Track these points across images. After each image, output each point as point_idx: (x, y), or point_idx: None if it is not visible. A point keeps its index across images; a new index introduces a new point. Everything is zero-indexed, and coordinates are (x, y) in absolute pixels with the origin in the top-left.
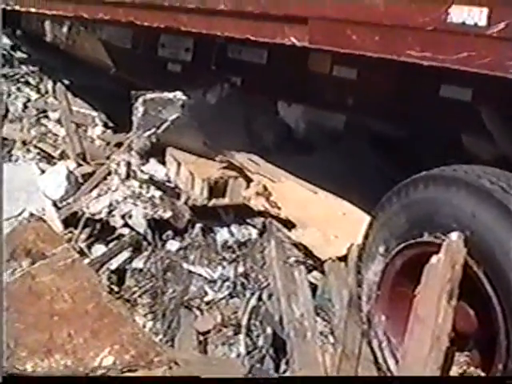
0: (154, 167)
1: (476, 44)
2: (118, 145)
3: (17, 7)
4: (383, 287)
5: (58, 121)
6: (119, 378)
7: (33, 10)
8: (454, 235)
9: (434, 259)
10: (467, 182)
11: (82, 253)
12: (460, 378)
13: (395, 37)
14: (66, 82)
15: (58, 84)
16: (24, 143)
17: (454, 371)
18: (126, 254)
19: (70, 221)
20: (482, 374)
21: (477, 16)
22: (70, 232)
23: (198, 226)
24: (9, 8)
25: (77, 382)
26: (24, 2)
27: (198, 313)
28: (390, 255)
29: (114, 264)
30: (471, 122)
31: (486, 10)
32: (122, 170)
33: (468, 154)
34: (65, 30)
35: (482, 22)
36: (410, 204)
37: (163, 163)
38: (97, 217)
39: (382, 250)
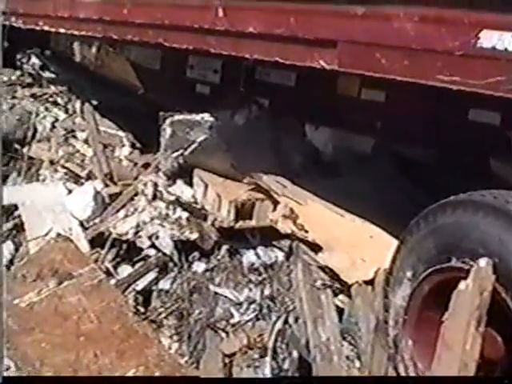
0: (180, 188)
1: (506, 69)
2: (146, 165)
3: (20, 24)
4: (410, 312)
5: (86, 141)
6: (119, 378)
7: (62, 30)
8: (482, 261)
9: (462, 285)
10: (495, 207)
11: (108, 273)
12: (460, 377)
13: (425, 61)
14: (94, 102)
15: (86, 104)
16: (51, 163)
17: None
18: (152, 275)
19: (97, 241)
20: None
21: (507, 41)
22: (97, 252)
23: (225, 247)
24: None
25: (77, 382)
26: (53, 23)
27: (223, 335)
28: (417, 280)
29: (141, 285)
30: (500, 146)
31: None
32: (149, 190)
33: (496, 179)
34: (94, 50)
35: None
36: (438, 229)
37: (190, 184)
38: (123, 237)
39: (409, 274)
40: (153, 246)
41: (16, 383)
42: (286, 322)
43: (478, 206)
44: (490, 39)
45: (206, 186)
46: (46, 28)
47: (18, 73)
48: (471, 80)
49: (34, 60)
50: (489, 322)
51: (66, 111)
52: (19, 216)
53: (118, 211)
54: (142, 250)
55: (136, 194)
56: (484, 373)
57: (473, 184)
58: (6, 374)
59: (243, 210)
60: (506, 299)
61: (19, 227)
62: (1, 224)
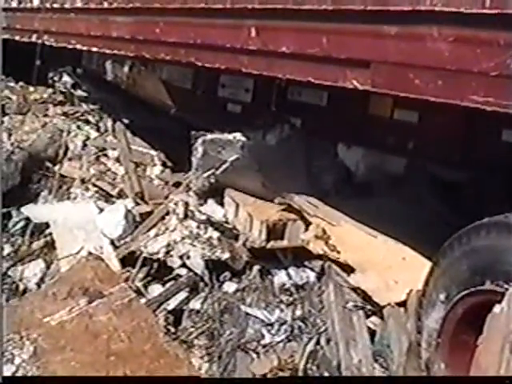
0: (212, 208)
1: None
2: (177, 184)
3: (53, 42)
4: (444, 335)
5: (117, 159)
6: (119, 378)
7: (94, 48)
8: None
9: (496, 309)
10: None
11: (139, 292)
12: (461, 377)
13: (459, 82)
14: (126, 120)
15: (118, 123)
16: (83, 181)
17: None
18: (183, 295)
19: (128, 260)
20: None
21: None
22: (128, 271)
23: (256, 267)
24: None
25: (77, 382)
26: (85, 41)
27: (254, 356)
28: (451, 302)
29: (171, 304)
30: None
31: None
32: (180, 209)
33: None
34: (126, 69)
35: None
36: (472, 251)
37: (221, 204)
38: (154, 256)
39: (442, 297)
40: (184, 265)
41: (16, 383)
42: (317, 343)
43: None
44: None
45: (238, 206)
46: (79, 46)
47: (50, 91)
48: (505, 101)
49: (66, 78)
50: None
51: (98, 129)
52: (50, 234)
53: (149, 230)
54: (172, 269)
55: (167, 213)
56: None
57: (507, 206)
58: None
59: (275, 230)
60: None
61: (50, 245)
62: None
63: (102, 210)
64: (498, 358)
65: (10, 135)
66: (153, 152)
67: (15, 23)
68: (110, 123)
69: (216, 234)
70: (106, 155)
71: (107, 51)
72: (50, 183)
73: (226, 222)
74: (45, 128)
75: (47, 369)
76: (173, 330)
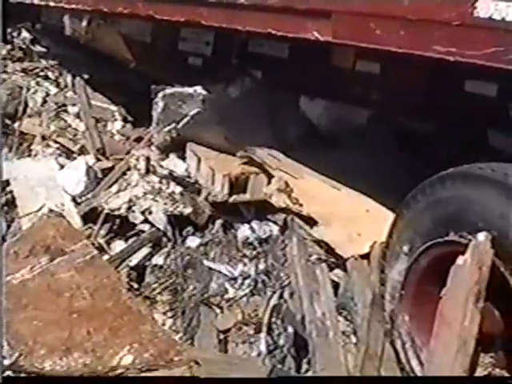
0: (173, 162)
1: (503, 39)
2: (138, 140)
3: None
4: (407, 287)
5: (78, 115)
6: (119, 378)
7: (52, 3)
8: (481, 235)
9: (460, 260)
10: (494, 180)
11: (101, 249)
12: (464, 377)
13: (421, 32)
14: (86, 76)
15: (78, 78)
16: (43, 138)
17: (479, 373)
18: (145, 251)
19: (90, 217)
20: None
21: (504, 11)
22: (90, 228)
23: (219, 222)
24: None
25: (77, 382)
26: None
27: (218, 311)
28: (414, 254)
29: (134, 260)
30: (497, 117)
31: None
32: (142, 165)
33: (495, 151)
34: (84, 23)
35: (510, 17)
36: (436, 202)
37: (183, 158)
38: (116, 212)
39: (406, 248)
40: (146, 221)
41: (16, 383)
42: (281, 297)
43: (477, 179)
44: (486, 9)
45: (200, 160)
46: (36, 1)
47: (9, 47)
48: (468, 51)
49: (25, 34)
50: (487, 296)
51: (58, 85)
52: (11, 192)
53: (110, 186)
54: (135, 225)
55: (129, 169)
56: (483, 348)
57: (471, 156)
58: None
59: (237, 184)
60: (505, 274)
61: (11, 203)
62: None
63: (62, 167)
64: (462, 310)
65: None
66: (113, 107)
67: None
68: (69, 79)
69: (178, 189)
70: (66, 111)
71: (65, 6)
72: (9, 140)
73: (188, 177)
74: (3, 85)
75: (10, 328)
76: (136, 286)
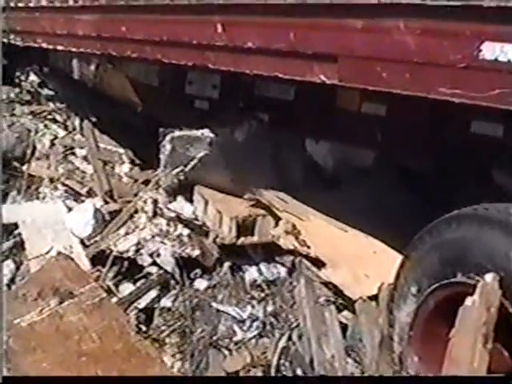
0: (181, 205)
1: (509, 81)
2: (146, 182)
3: (19, 42)
4: (416, 328)
5: (85, 158)
6: (119, 379)
7: (60, 47)
8: (488, 276)
9: (468, 301)
10: (500, 221)
11: (109, 291)
12: (464, 377)
13: (426, 74)
14: (94, 119)
15: (85, 121)
16: (51, 180)
17: None
18: (154, 293)
19: (98, 259)
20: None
21: (510, 53)
22: (98, 270)
23: (227, 264)
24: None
25: (77, 382)
26: (50, 40)
27: (226, 353)
28: (422, 295)
29: (142, 303)
30: (503, 157)
31: None
32: (150, 207)
33: (500, 191)
34: (92, 67)
35: None
36: (443, 243)
37: (191, 201)
38: (124, 255)
39: (414, 290)
40: (154, 263)
41: (16, 383)
42: (289, 339)
43: (483, 220)
44: (492, 51)
45: (207, 203)
46: (45, 45)
47: (17, 90)
48: (473, 93)
49: (33, 77)
50: (496, 337)
51: (65, 128)
52: (19, 234)
53: (118, 229)
54: (143, 267)
55: (136, 211)
56: None
57: (476, 196)
58: None
59: (244, 226)
60: None
61: (19, 246)
62: (1, 242)
63: (70, 209)
64: (471, 351)
65: None
66: (121, 150)
67: None
68: (77, 122)
69: (186, 231)
70: (74, 154)
71: (73, 49)
72: (18, 183)
73: (196, 219)
74: (12, 128)
75: (18, 371)
76: (144, 328)
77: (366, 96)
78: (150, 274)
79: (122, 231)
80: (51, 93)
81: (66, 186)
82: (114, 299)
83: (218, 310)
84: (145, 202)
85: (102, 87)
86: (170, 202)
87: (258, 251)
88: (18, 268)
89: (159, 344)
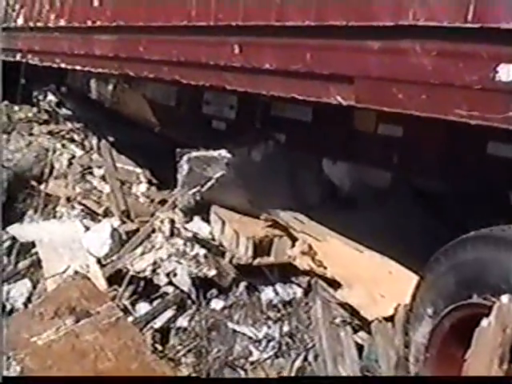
0: (198, 225)
1: None
2: (163, 202)
3: (37, 61)
4: (432, 349)
5: (103, 177)
6: (119, 379)
7: (78, 67)
8: (504, 298)
9: (484, 322)
10: None
11: (125, 311)
12: (465, 377)
13: (442, 96)
14: (111, 138)
15: (103, 141)
16: (68, 200)
17: None
18: (170, 313)
19: (114, 278)
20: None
21: None
22: (114, 290)
23: (243, 284)
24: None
25: (77, 382)
26: (68, 60)
27: (242, 373)
28: (438, 317)
29: (158, 323)
30: None
31: None
32: (166, 227)
33: None
34: (110, 87)
35: None
36: (459, 265)
37: (207, 221)
38: (141, 275)
39: (430, 311)
40: (170, 283)
41: (16, 383)
42: (305, 359)
43: (499, 242)
44: (507, 73)
45: (224, 223)
46: (63, 65)
47: (35, 110)
48: (489, 114)
49: (51, 97)
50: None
51: (83, 148)
52: (36, 253)
53: (135, 248)
54: (159, 287)
55: (153, 231)
56: None
57: (493, 218)
58: None
59: (261, 247)
60: None
61: (36, 265)
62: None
63: (87, 229)
64: (487, 372)
65: None
66: (138, 170)
67: None
68: (95, 141)
69: (202, 251)
70: (91, 173)
71: (91, 69)
72: (35, 202)
73: (213, 239)
74: (30, 147)
75: None
76: (160, 348)
77: (383, 117)
78: (166, 293)
79: (139, 251)
80: (69, 112)
81: (83, 205)
82: (130, 318)
83: (234, 330)
84: (162, 221)
85: (119, 107)
86: (187, 222)
87: (274, 271)
88: (34, 287)
89: (175, 363)
